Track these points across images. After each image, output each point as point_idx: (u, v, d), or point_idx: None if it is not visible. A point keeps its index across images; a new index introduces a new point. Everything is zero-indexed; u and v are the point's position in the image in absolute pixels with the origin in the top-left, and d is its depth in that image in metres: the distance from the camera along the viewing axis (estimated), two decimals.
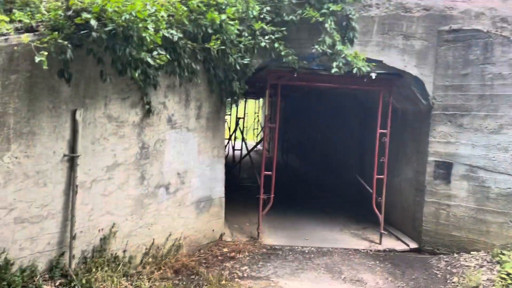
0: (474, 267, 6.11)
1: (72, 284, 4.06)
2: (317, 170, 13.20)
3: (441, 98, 6.95)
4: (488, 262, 6.15)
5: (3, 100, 3.98)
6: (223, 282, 5.35)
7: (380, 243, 7.35)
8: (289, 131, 15.75)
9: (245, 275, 5.73)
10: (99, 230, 4.71)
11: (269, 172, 7.01)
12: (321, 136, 12.81)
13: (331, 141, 12.11)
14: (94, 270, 4.38)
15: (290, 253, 6.68)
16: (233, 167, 12.64)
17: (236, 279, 5.55)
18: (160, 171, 5.54)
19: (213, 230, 6.57)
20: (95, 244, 4.74)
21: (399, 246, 7.33)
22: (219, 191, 6.63)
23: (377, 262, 6.58)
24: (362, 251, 7.03)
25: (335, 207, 9.82)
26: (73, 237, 4.39)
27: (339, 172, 11.52)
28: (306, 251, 6.81)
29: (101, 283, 4.28)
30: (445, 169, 6.95)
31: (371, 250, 7.07)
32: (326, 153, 12.62)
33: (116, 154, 4.93)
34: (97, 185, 4.75)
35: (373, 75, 6.59)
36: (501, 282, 5.49)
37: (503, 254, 6.08)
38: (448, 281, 5.86)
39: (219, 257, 6.20)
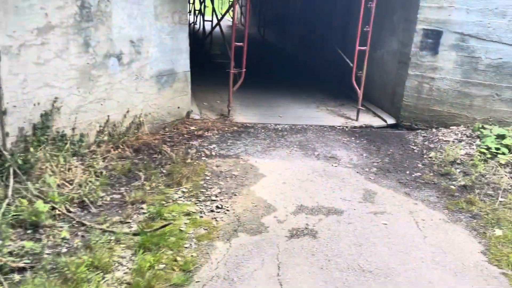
0: (453, 141, 5.87)
1: (6, 165, 3.56)
2: (297, 46, 12.35)
3: None
4: (467, 136, 5.90)
5: None
6: (188, 160, 4.97)
7: (357, 120, 7.00)
8: (267, 3, 14.42)
9: (213, 153, 5.34)
10: (34, 104, 4.06)
11: (240, 44, 6.24)
12: (302, 7, 11.68)
13: (312, 13, 11.06)
14: (32, 149, 3.85)
15: (263, 131, 6.29)
16: (203, 40, 11.64)
17: (203, 158, 5.18)
18: (108, 37, 4.72)
19: (178, 107, 6.01)
20: (34, 120, 4.13)
21: (376, 122, 7.01)
22: (183, 64, 5.91)
23: (353, 138, 6.27)
24: (338, 127, 6.69)
25: (314, 83, 9.29)
26: (3, 112, 3.76)
27: (320, 48, 10.74)
28: (280, 129, 6.42)
29: (44, 163, 3.79)
30: (433, 38, 6.30)
31: (347, 127, 6.73)
32: (307, 27, 11.64)
33: (47, 14, 4.05)
34: (28, 52, 3.97)
35: None
36: (480, 156, 5.28)
37: (484, 128, 5.80)
38: (425, 156, 5.65)
39: (186, 136, 5.75)
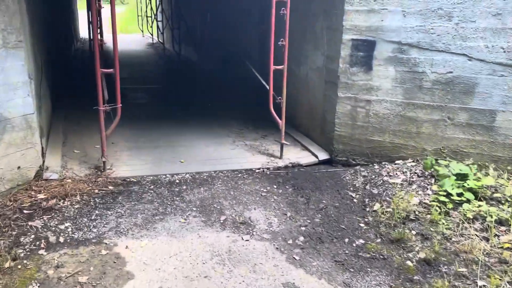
0: (402, 184, 4.47)
1: None
2: (215, 64, 10.74)
3: None
4: (419, 176, 4.53)
5: None
6: (9, 264, 3.13)
7: (281, 157, 5.47)
8: (184, 15, 12.76)
9: (62, 239, 3.54)
10: None
11: (109, 70, 4.50)
12: (221, 21, 10.11)
13: (228, 24, 9.54)
14: None
15: (152, 187, 4.56)
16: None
17: (41, 251, 3.36)
18: None
19: (18, 168, 4.15)
20: None
21: (305, 158, 5.52)
22: (20, 105, 4.08)
23: (275, 186, 4.72)
24: (257, 171, 5.11)
25: (232, 108, 7.72)
26: None
27: (240, 66, 9.22)
28: (177, 182, 4.73)
29: None
30: (365, 51, 4.94)
31: (268, 169, 5.18)
32: (225, 41, 10.09)
33: None
34: None
35: None
36: (439, 207, 3.90)
37: (439, 165, 4.47)
38: (368, 209, 4.20)
39: (26, 211, 3.89)
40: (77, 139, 5.64)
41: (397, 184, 4.48)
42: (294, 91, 6.19)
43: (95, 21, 4.21)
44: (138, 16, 21.28)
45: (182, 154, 5.46)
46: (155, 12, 16.54)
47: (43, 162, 4.60)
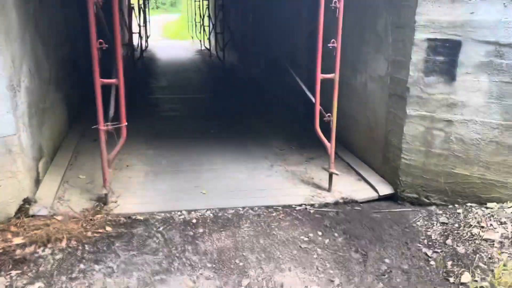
0: (501, 243, 3.16)
1: None
2: (261, 72, 9.71)
3: None
4: None
5: None
6: None
7: (329, 189, 4.31)
8: (228, 19, 11.89)
9: None
10: None
11: (112, 80, 3.58)
12: (266, 22, 9.06)
13: (278, 26, 8.45)
14: None
15: (161, 229, 3.57)
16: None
17: None
18: None
19: None
20: None
21: (361, 192, 4.31)
22: None
23: (320, 233, 3.57)
24: (298, 208, 3.98)
25: (274, 122, 6.65)
26: None
27: (287, 72, 8.12)
28: (194, 221, 3.71)
29: None
30: (446, 55, 3.67)
31: (313, 205, 4.03)
32: (272, 45, 9.03)
33: None
34: None
35: None
36: None
37: None
38: (452, 280, 2.93)
39: None
40: (87, 161, 4.80)
41: (494, 241, 3.17)
42: (347, 104, 5.00)
43: (92, 18, 3.31)
44: (188, 22, 20.92)
45: (207, 182, 4.44)
46: (202, 18, 15.89)
47: (36, 192, 3.78)
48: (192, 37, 20.07)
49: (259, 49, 9.44)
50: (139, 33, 11.73)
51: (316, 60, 3.97)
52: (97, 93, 3.52)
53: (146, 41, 14.55)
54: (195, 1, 17.50)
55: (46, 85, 4.51)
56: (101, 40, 3.41)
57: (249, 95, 8.53)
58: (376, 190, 4.27)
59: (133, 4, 10.14)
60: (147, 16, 14.51)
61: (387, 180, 4.36)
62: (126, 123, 3.69)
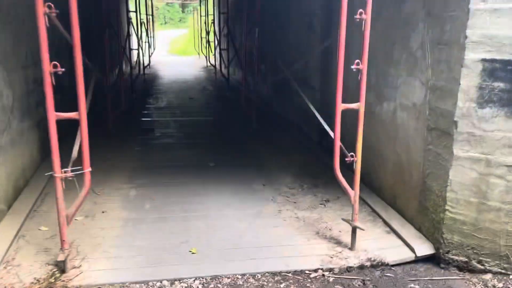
0: None
1: None
2: (270, 93, 8.86)
3: None
4: None
5: None
6: None
7: (351, 248, 3.40)
8: (233, 34, 11.14)
9: None
10: None
11: (70, 115, 2.75)
12: (275, 37, 8.23)
13: (287, 42, 7.63)
14: None
15: None
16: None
17: None
18: None
19: None
20: None
21: (392, 250, 3.40)
22: None
23: None
24: (313, 276, 3.08)
25: (281, 155, 5.77)
26: None
27: (297, 96, 7.27)
28: None
29: None
30: (508, 80, 2.80)
31: (331, 271, 3.13)
32: (281, 63, 8.20)
33: None
34: None
35: None
36: None
37: None
38: None
39: None
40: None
41: None
42: (370, 137, 4.12)
43: (44, 33, 2.51)
44: (194, 38, 20.35)
45: (197, 236, 3.56)
46: (208, 33, 15.22)
47: None
48: (199, 53, 19.47)
49: (267, 66, 8.63)
50: (138, 49, 11.02)
51: (336, 84, 3.12)
52: (51, 131, 2.69)
53: (149, 57, 13.89)
54: (201, 16, 16.89)
55: (5, 115, 3.71)
56: (55, 63, 2.60)
57: (255, 117, 7.70)
58: (412, 249, 3.36)
59: (131, 18, 9.44)
60: (150, 31, 13.89)
61: (424, 235, 3.45)
62: (90, 169, 2.85)
